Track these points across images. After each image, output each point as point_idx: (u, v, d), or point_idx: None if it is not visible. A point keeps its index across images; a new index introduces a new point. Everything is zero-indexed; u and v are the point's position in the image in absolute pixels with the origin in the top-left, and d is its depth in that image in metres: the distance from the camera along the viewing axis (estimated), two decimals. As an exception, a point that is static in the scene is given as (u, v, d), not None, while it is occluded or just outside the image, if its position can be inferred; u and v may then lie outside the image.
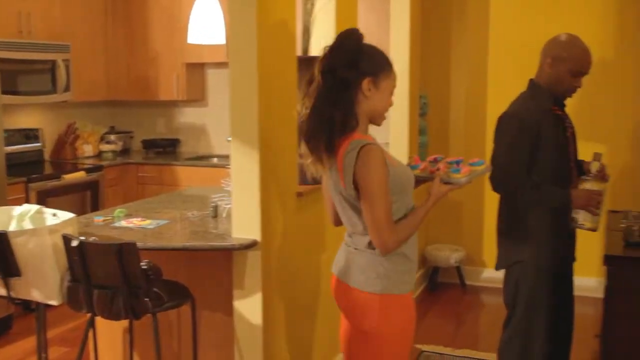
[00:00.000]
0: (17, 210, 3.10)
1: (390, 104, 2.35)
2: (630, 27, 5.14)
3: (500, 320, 3.33)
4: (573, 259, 3.27)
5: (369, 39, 2.33)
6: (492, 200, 3.38)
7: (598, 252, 3.03)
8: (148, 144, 6.61)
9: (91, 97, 6.28)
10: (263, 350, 3.05)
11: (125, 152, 6.64)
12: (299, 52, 3.42)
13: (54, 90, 5.61)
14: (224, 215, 3.41)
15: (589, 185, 3.02)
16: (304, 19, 3.47)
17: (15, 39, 5.23)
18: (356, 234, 2.36)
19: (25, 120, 5.84)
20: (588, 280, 4.70)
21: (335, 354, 3.78)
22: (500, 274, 3.29)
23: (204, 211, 3.56)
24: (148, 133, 6.80)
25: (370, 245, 2.30)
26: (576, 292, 3.37)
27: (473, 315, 5.28)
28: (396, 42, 5.11)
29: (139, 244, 2.79)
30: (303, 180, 3.42)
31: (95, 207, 5.56)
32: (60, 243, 2.79)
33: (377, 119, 2.34)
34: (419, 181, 2.43)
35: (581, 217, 3.02)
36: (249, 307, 3.05)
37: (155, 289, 2.79)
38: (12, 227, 3.03)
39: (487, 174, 2.62)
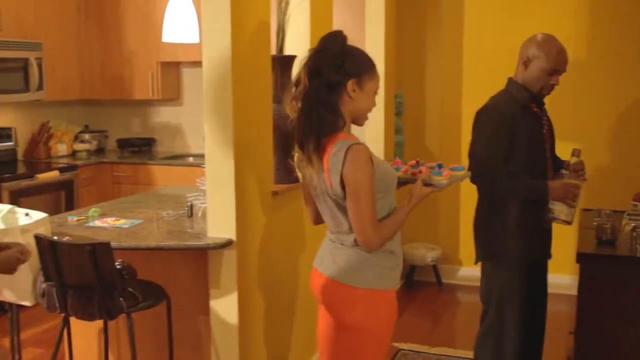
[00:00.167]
0: (-11, 210, 3.05)
1: (374, 105, 2.41)
2: (602, 28, 5.20)
3: (476, 318, 3.36)
4: (548, 255, 3.31)
5: (344, 37, 2.34)
6: (468, 199, 3.41)
7: (572, 249, 3.06)
8: (123, 143, 6.55)
9: (65, 96, 6.21)
10: (240, 350, 3.04)
11: (99, 151, 6.58)
12: (273, 51, 3.42)
13: (26, 89, 5.54)
14: (200, 214, 3.40)
15: (566, 179, 3.08)
16: (279, 18, 3.47)
17: (-13, 37, 5.17)
18: (341, 233, 2.40)
19: (-3, 119, 5.77)
20: (562, 277, 4.74)
21: (312, 353, 3.78)
22: (476, 272, 3.32)
23: (179, 210, 3.54)
24: (123, 132, 6.74)
25: (356, 242, 2.34)
26: (551, 290, 3.41)
27: (449, 313, 5.31)
28: (372, 41, 5.12)
29: (113, 244, 2.77)
30: (280, 179, 3.42)
31: (70, 207, 5.50)
32: (32, 243, 2.75)
33: (360, 119, 2.41)
34: (400, 183, 2.49)
35: (557, 208, 3.10)
36: (225, 307, 3.03)
37: (129, 289, 2.77)
38: (-16, 227, 2.99)
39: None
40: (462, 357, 4.16)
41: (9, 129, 5.82)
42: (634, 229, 3.09)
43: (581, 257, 2.96)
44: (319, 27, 3.75)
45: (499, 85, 3.25)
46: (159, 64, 6.18)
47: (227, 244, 2.94)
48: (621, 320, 2.91)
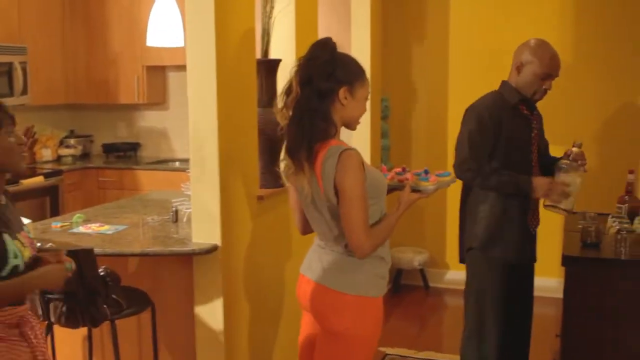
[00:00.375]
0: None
1: (364, 110, 2.43)
2: (587, 32, 5.23)
3: (463, 321, 3.36)
4: (532, 259, 3.32)
5: (329, 41, 2.33)
6: (454, 202, 3.42)
7: (558, 252, 3.07)
8: (108, 148, 6.51)
9: (50, 101, 6.17)
10: (225, 356, 3.02)
11: (85, 156, 6.53)
12: (258, 54, 3.41)
13: (10, 94, 5.49)
14: (185, 219, 3.37)
15: (563, 173, 3.08)
16: (263, 22, 3.45)
17: (-30, 42, 5.13)
18: (330, 240, 2.40)
19: (-19, 124, 5.70)
20: (549, 280, 4.76)
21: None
22: (463, 275, 3.34)
23: (164, 216, 3.51)
24: (108, 137, 6.70)
25: (346, 248, 2.35)
26: (537, 293, 3.42)
27: (436, 317, 5.31)
28: (357, 45, 5.13)
29: (97, 250, 2.75)
30: (266, 183, 3.40)
31: (55, 212, 5.45)
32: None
33: (352, 124, 2.43)
34: (388, 190, 2.50)
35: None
36: (210, 313, 3.01)
37: (113, 296, 2.73)
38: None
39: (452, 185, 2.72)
40: (449, 361, 4.16)
41: (-7, 134, 5.76)
42: (618, 231, 3.10)
43: (566, 260, 2.97)
44: (304, 30, 3.74)
45: (485, 87, 3.28)
46: (145, 68, 6.15)
47: (212, 249, 2.92)
48: (607, 323, 2.92)
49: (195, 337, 3.06)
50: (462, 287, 3.36)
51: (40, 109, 6.27)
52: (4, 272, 2.08)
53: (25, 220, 2.93)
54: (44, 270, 2.18)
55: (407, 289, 5.70)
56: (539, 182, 3.06)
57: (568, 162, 3.11)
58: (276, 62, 3.47)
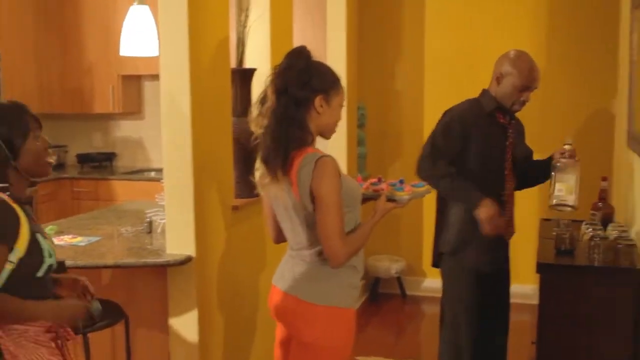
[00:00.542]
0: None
1: (340, 118, 2.43)
2: (559, 39, 5.28)
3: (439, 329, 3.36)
4: (503, 261, 3.32)
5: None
6: (430, 211, 3.43)
7: (533, 259, 3.09)
8: (83, 158, 6.42)
9: (23, 110, 6.08)
10: (200, 367, 2.99)
11: (59, 166, 6.44)
12: (233, 63, 3.39)
13: (-18, 103, 5.41)
14: (159, 230, 3.34)
15: (561, 171, 3.09)
16: (238, 31, 3.45)
17: (-59, 51, 5.05)
18: (302, 249, 2.38)
19: (-48, 134, 5.62)
20: (524, 287, 4.79)
21: (275, 368, 3.73)
22: (440, 283, 3.34)
23: (138, 227, 3.48)
24: (83, 147, 6.62)
25: (319, 256, 2.34)
26: (513, 299, 3.44)
27: (414, 325, 5.31)
28: (333, 53, 5.13)
29: (69, 262, 2.72)
30: (241, 193, 3.38)
31: (28, 223, 5.38)
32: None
33: (327, 133, 2.43)
34: (363, 199, 2.50)
35: (562, 194, 3.09)
36: (184, 325, 2.99)
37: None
38: None
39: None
40: (427, 369, 4.16)
41: (-35, 144, 5.68)
42: (592, 238, 3.12)
43: (541, 267, 2.98)
44: (279, 39, 3.74)
45: (461, 95, 3.31)
46: (120, 77, 6.09)
47: (187, 260, 2.89)
48: (581, 329, 2.94)
49: (170, 349, 3.03)
50: (440, 294, 3.36)
51: (13, 119, 6.18)
52: (41, 272, 2.08)
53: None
54: (65, 305, 2.17)
55: (384, 297, 5.70)
56: (488, 204, 3.03)
57: (565, 160, 3.12)
58: (251, 71, 3.46)
